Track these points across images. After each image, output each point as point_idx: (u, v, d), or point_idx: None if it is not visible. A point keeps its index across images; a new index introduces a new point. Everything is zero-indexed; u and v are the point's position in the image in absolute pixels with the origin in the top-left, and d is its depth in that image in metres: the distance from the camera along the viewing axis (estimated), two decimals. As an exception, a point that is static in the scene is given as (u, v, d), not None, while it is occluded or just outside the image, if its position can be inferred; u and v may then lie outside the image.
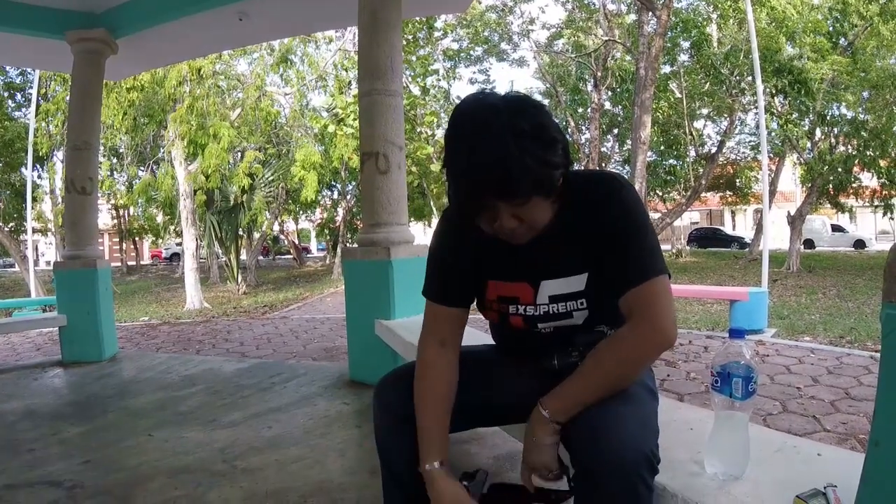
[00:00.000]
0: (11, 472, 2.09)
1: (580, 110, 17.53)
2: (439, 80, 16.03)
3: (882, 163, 12.30)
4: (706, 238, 25.38)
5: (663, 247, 1.06)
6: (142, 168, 14.75)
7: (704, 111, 15.21)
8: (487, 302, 1.14)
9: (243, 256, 16.42)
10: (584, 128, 17.01)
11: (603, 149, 17.22)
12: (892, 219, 14.89)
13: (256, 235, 16.86)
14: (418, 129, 14.09)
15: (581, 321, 1.07)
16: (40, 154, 12.13)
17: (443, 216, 1.16)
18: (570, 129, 16.41)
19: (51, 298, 6.37)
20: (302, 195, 12.81)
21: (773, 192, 14.32)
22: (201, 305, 11.05)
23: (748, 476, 0.96)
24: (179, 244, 18.28)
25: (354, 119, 11.34)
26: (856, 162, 12.40)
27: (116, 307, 7.35)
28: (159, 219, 18.77)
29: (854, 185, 13.06)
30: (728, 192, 20.03)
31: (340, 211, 19.53)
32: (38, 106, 10.86)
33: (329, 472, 1.98)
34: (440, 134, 14.06)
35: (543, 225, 0.98)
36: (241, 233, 15.13)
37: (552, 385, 0.99)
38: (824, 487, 0.86)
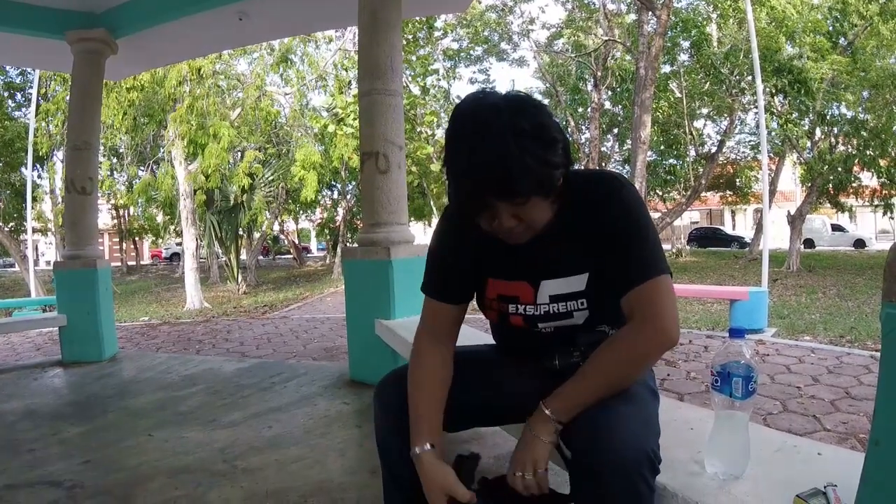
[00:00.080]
0: (11, 472, 2.09)
1: (580, 110, 17.53)
2: (439, 79, 16.05)
3: (882, 162, 12.30)
4: (706, 238, 25.38)
5: (663, 246, 1.05)
6: (142, 168, 14.76)
7: (704, 111, 15.21)
8: (487, 301, 1.14)
9: (243, 256, 16.42)
10: (584, 127, 17.00)
11: (603, 148, 17.22)
12: (892, 218, 14.89)
13: (256, 235, 16.87)
14: (418, 129, 14.08)
15: (582, 321, 1.07)
16: (40, 154, 12.13)
17: (443, 215, 1.16)
18: (570, 129, 16.40)
19: (51, 298, 6.38)
20: (302, 195, 12.81)
21: (773, 192, 14.31)
22: (201, 305, 11.05)
23: (748, 475, 0.96)
24: (179, 244, 18.29)
25: (354, 119, 11.34)
26: (856, 161, 12.41)
27: (116, 307, 7.35)
28: (159, 219, 18.76)
29: (854, 184, 13.06)
30: (728, 192, 20.03)
31: (340, 211, 19.54)
32: (38, 106, 10.86)
33: (329, 472, 1.98)
34: (440, 134, 14.06)
35: (543, 225, 0.98)
36: (241, 232, 15.13)
37: (553, 385, 0.99)
38: (824, 487, 0.86)
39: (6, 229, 14.74)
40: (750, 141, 17.66)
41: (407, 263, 3.01)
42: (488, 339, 1.48)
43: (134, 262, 26.12)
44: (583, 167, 14.18)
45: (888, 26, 11.01)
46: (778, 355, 4.15)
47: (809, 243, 20.75)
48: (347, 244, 16.82)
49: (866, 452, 0.72)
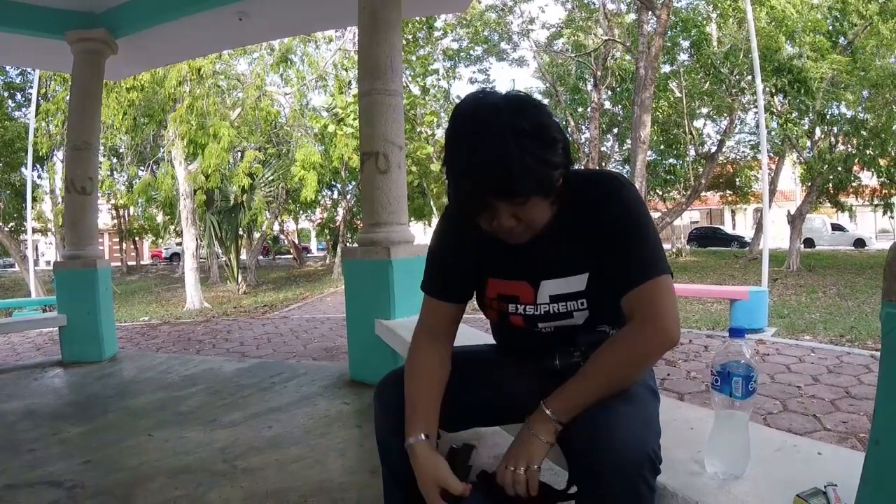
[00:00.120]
0: (12, 473, 2.09)
1: (580, 110, 17.52)
2: (439, 79, 16.05)
3: (882, 161, 12.31)
4: (706, 237, 25.39)
5: (663, 246, 1.05)
6: (142, 168, 14.76)
7: (704, 110, 15.21)
8: (487, 300, 1.14)
9: (243, 256, 16.42)
10: (583, 127, 17.00)
11: (603, 148, 17.22)
12: (891, 217, 14.89)
13: (256, 235, 16.87)
14: (418, 129, 14.08)
15: (582, 321, 1.07)
16: (40, 154, 12.13)
17: (443, 215, 1.17)
18: (570, 129, 16.40)
19: (51, 298, 6.37)
20: (302, 195, 12.81)
21: (772, 192, 14.31)
22: (201, 305, 11.05)
23: (748, 475, 0.96)
24: (179, 244, 18.29)
25: (354, 119, 11.33)
26: (855, 161, 12.41)
27: (116, 307, 7.35)
28: (159, 219, 18.77)
29: (854, 183, 13.07)
30: (728, 192, 20.02)
31: (340, 211, 19.54)
32: (38, 106, 10.86)
33: (329, 472, 1.98)
34: (440, 133, 14.06)
35: (542, 225, 0.98)
36: (241, 232, 15.13)
37: (553, 385, 0.98)
38: (825, 486, 0.86)
39: (6, 229, 14.74)
40: (750, 140, 17.68)
41: (407, 263, 3.01)
42: (488, 338, 1.48)
43: (134, 262, 26.13)
44: (583, 167, 14.17)
45: (888, 26, 11.01)
46: (778, 355, 4.15)
47: (809, 243, 20.75)
48: (347, 244, 16.82)
49: (866, 452, 0.72)
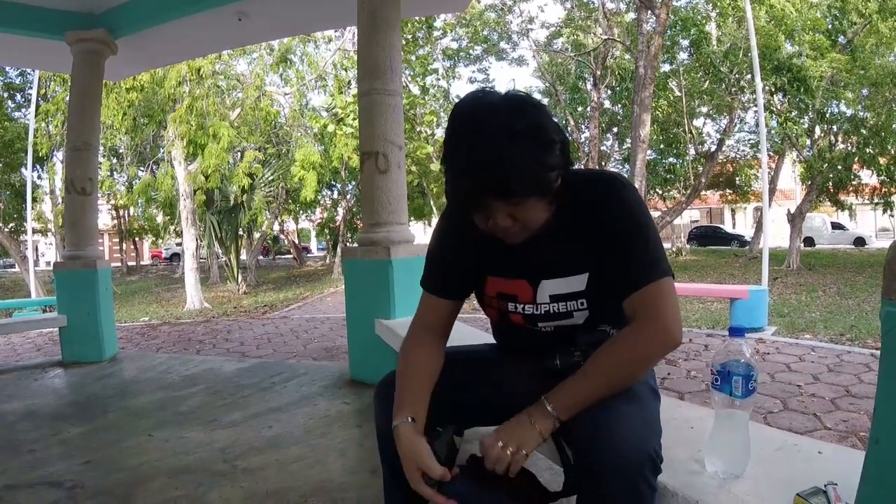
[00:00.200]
0: (12, 473, 2.09)
1: (580, 109, 17.53)
2: (439, 79, 16.06)
3: (881, 160, 12.30)
4: (706, 236, 25.38)
5: (663, 245, 1.05)
6: (142, 168, 14.76)
7: (704, 109, 15.20)
8: (487, 298, 1.14)
9: (243, 256, 16.42)
10: (583, 126, 17.00)
11: (603, 147, 17.22)
12: (891, 216, 14.88)
13: (256, 235, 16.87)
14: (418, 129, 14.09)
15: (582, 321, 1.07)
16: (40, 154, 12.13)
17: (443, 214, 1.17)
18: (569, 128, 16.40)
19: (51, 299, 6.37)
20: (302, 195, 12.81)
21: (772, 190, 14.31)
22: (201, 305, 11.05)
23: (749, 474, 0.96)
24: (179, 244, 18.29)
25: (354, 118, 11.34)
26: (855, 159, 12.40)
27: (116, 307, 7.35)
28: (159, 219, 18.78)
29: (854, 182, 13.06)
30: (728, 191, 20.01)
31: (340, 210, 19.54)
32: (37, 106, 10.87)
33: (330, 472, 1.98)
34: (440, 133, 14.07)
35: (539, 225, 0.98)
36: (241, 233, 15.14)
37: (553, 385, 0.98)
38: (825, 485, 0.86)
39: (6, 230, 14.74)
40: (749, 139, 17.67)
41: (407, 263, 3.01)
42: (488, 338, 1.48)
43: (134, 263, 26.13)
44: (582, 166, 14.19)
45: (887, 24, 11.01)
46: (778, 354, 4.15)
47: (809, 241, 20.75)
48: (347, 244, 16.82)
49: (867, 451, 0.72)
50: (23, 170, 14.45)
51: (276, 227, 22.16)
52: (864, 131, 12.16)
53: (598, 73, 15.07)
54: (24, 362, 4.69)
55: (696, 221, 30.72)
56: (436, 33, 15.01)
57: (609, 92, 16.13)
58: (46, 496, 1.87)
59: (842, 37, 12.31)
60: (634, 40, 12.20)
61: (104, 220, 21.57)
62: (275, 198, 15.14)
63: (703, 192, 15.64)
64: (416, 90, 14.81)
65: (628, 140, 14.24)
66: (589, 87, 16.15)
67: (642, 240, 0.98)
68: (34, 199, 13.34)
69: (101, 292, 4.17)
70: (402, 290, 2.98)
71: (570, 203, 1.00)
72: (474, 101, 0.93)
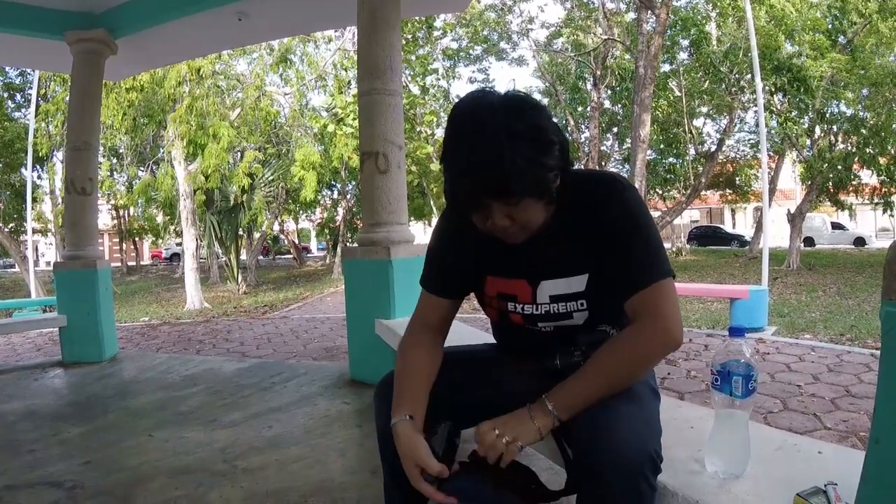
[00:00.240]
0: (12, 473, 2.09)
1: (580, 109, 17.52)
2: (439, 79, 16.06)
3: (881, 160, 12.30)
4: (706, 236, 25.37)
5: (664, 245, 1.05)
6: (141, 168, 14.76)
7: (704, 109, 15.20)
8: (487, 298, 1.15)
9: (243, 256, 16.42)
10: (583, 126, 17.00)
11: (603, 147, 17.22)
12: (891, 216, 14.88)
13: (256, 235, 16.87)
14: (418, 129, 14.09)
15: (581, 321, 1.07)
16: (40, 154, 12.14)
17: (442, 214, 1.17)
18: (569, 128, 16.40)
19: (51, 299, 6.37)
20: (301, 195, 12.81)
21: (772, 190, 14.31)
22: (201, 305, 11.05)
23: (749, 474, 0.96)
24: (179, 244, 18.29)
25: (354, 118, 11.34)
26: (855, 159, 12.40)
27: (116, 307, 7.35)
28: (159, 219, 18.78)
29: (854, 182, 13.06)
30: (728, 191, 20.01)
31: (340, 210, 19.54)
32: (37, 106, 10.86)
33: (330, 472, 1.98)
34: (440, 133, 14.07)
35: (537, 226, 0.98)
36: (241, 233, 15.13)
37: (553, 385, 0.98)
38: (825, 485, 0.86)
39: (6, 230, 14.74)
40: (749, 139, 17.68)
41: (407, 263, 3.01)
42: (488, 338, 1.48)
43: (134, 263, 26.13)
44: (582, 166, 14.19)
45: (887, 24, 11.01)
46: (778, 354, 4.15)
47: (809, 241, 20.75)
48: (347, 244, 16.82)
49: (867, 451, 0.72)
50: (23, 170, 14.46)
51: (276, 227, 22.17)
52: (864, 131, 12.16)
53: (598, 73, 15.07)
54: (24, 362, 4.69)
55: (696, 221, 30.72)
56: (436, 33, 15.01)
57: (609, 92, 16.13)
58: (46, 496, 1.87)
59: (842, 37, 12.31)
60: (634, 40, 12.20)
61: (104, 220, 21.58)
62: (275, 198, 15.14)
63: (703, 192, 15.65)
64: (416, 90, 14.81)
65: (628, 140, 14.24)
66: (589, 87, 16.15)
67: (643, 240, 0.98)
68: (34, 199, 13.34)
69: (101, 292, 4.17)
70: (402, 289, 2.98)
71: (571, 203, 1.00)
72: (474, 101, 0.93)
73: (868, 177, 13.46)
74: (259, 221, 14.26)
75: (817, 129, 13.00)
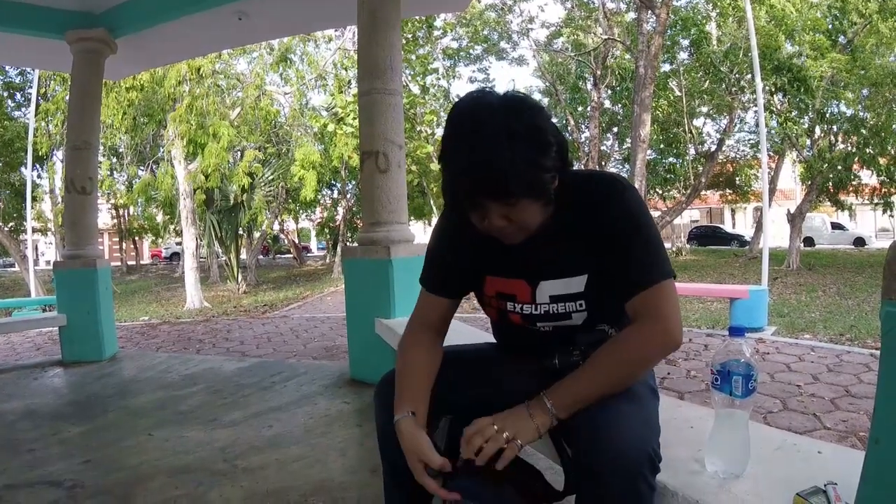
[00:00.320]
0: (11, 472, 2.09)
1: (580, 109, 17.52)
2: (439, 78, 16.05)
3: (881, 160, 12.30)
4: (706, 236, 25.37)
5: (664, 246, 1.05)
6: (141, 167, 14.74)
7: (704, 109, 15.21)
8: (486, 297, 1.15)
9: (243, 256, 16.42)
10: (583, 126, 17.00)
11: (603, 147, 17.22)
12: (891, 216, 14.88)
13: (256, 235, 16.87)
14: (418, 128, 14.09)
15: (580, 322, 1.07)
16: (40, 154, 12.13)
17: (442, 214, 1.17)
18: (569, 128, 16.40)
19: (51, 298, 6.37)
20: (301, 194, 12.81)
21: (772, 190, 14.31)
22: (201, 305, 11.05)
23: (748, 474, 0.96)
24: (179, 244, 18.29)
25: (354, 118, 11.33)
26: (855, 159, 12.40)
27: (116, 307, 7.35)
28: (159, 218, 18.76)
29: (854, 182, 13.05)
30: (728, 190, 20.01)
31: (340, 210, 19.53)
32: (37, 105, 10.86)
33: (330, 471, 1.99)
34: (440, 132, 14.04)
35: (535, 226, 0.98)
36: (240, 232, 15.13)
37: (552, 385, 0.98)
38: (825, 485, 0.86)
39: (6, 229, 14.75)
40: (749, 139, 17.68)
41: (407, 262, 3.01)
42: (488, 338, 1.48)
43: (134, 262, 26.11)
44: (582, 166, 14.19)
45: (887, 24, 11.00)
46: (778, 354, 4.15)
47: (809, 241, 20.75)
48: (347, 243, 16.82)
49: (866, 450, 0.72)
50: (22, 169, 14.46)
51: (276, 227, 22.17)
52: (864, 131, 12.16)
53: (599, 72, 15.06)
54: (23, 361, 4.69)
55: (696, 221, 30.72)
56: (436, 33, 15.01)
57: (609, 92, 16.13)
58: (46, 495, 1.87)
59: (842, 37, 12.30)
60: (635, 40, 12.20)
61: (104, 219, 21.57)
62: (275, 197, 15.14)
63: (703, 192, 15.65)
64: (416, 89, 14.80)
65: (628, 140, 14.24)
66: (589, 86, 16.15)
67: (643, 240, 0.98)
68: (34, 199, 13.33)
69: (100, 291, 4.17)
70: (402, 289, 2.98)
71: (571, 204, 1.00)
72: (473, 101, 0.93)
73: (868, 177, 13.46)
74: (259, 221, 14.26)
75: (817, 130, 13.00)
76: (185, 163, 11.68)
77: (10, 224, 15.79)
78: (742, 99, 12.79)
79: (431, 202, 16.58)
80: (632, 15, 14.23)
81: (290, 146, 14.17)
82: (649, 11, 10.63)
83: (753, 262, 13.88)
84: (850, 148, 12.61)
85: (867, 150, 12.22)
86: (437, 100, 15.81)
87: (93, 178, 4.34)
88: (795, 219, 13.38)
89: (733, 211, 30.71)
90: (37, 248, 26.07)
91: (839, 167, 12.31)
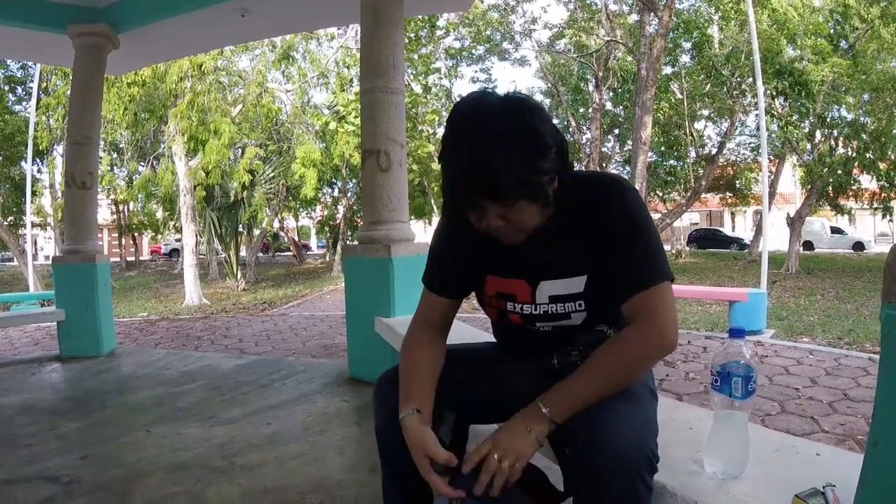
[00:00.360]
0: (9, 467, 2.08)
1: (581, 110, 17.53)
2: (441, 78, 16.05)
3: (881, 165, 12.32)
4: (706, 239, 25.39)
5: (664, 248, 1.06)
6: (142, 163, 14.74)
7: (705, 112, 15.21)
8: (486, 297, 1.15)
9: (243, 253, 16.41)
10: (585, 128, 17.01)
11: (604, 149, 17.22)
12: (891, 221, 14.89)
13: (256, 232, 16.86)
14: (419, 128, 14.10)
15: (579, 322, 1.08)
16: (40, 148, 12.10)
17: (443, 214, 1.17)
18: (571, 129, 16.41)
19: (49, 293, 6.37)
20: (302, 192, 12.81)
21: (772, 194, 14.32)
22: (200, 302, 11.04)
23: (747, 475, 0.96)
24: (179, 240, 18.26)
25: (356, 116, 11.34)
26: (855, 164, 12.41)
27: (115, 302, 7.34)
28: (159, 214, 18.76)
29: (853, 187, 13.06)
30: (728, 194, 20.04)
31: (341, 208, 19.53)
32: (38, 100, 10.85)
33: (328, 469, 1.99)
34: (441, 132, 14.05)
35: (533, 227, 0.99)
36: (240, 229, 15.12)
37: (551, 385, 0.98)
38: (823, 487, 0.86)
39: (5, 223, 14.71)
40: (750, 143, 17.70)
41: (407, 261, 3.01)
42: (488, 337, 1.48)
43: (133, 258, 26.11)
44: (583, 167, 14.20)
45: (889, 30, 11.01)
46: (776, 357, 4.16)
47: (808, 245, 20.76)
48: (348, 242, 16.81)
49: (865, 453, 0.72)
50: (22, 163, 14.45)
51: (277, 225, 22.15)
52: (864, 136, 12.16)
53: (601, 74, 15.07)
54: (21, 356, 4.69)
55: (696, 224, 30.76)
56: (438, 32, 15.01)
57: (611, 93, 16.13)
58: (43, 491, 1.87)
59: (843, 41, 12.30)
60: (637, 42, 12.20)
61: (104, 214, 21.57)
62: (275, 195, 15.13)
63: (703, 195, 15.66)
64: (418, 89, 14.80)
65: (629, 142, 14.25)
66: (591, 88, 16.15)
67: (643, 242, 0.98)
68: (34, 193, 13.32)
69: (99, 287, 4.16)
70: (403, 288, 2.98)
71: (571, 205, 1.00)
72: (473, 102, 0.93)
73: (868, 182, 13.48)
74: (259, 218, 14.24)
75: (818, 134, 13.01)
76: (185, 159, 11.67)
77: (10, 218, 15.77)
78: (743, 102, 12.80)
79: (432, 201, 16.59)
80: (634, 17, 14.23)
81: (291, 144, 14.16)
82: (652, 14, 10.63)
83: (753, 265, 13.88)
84: (850, 152, 12.63)
85: (867, 155, 12.23)
86: (438, 99, 15.81)
87: (93, 174, 4.34)
88: (795, 223, 13.39)
89: (733, 214, 30.74)
90: (36, 243, 26.03)
91: (839, 171, 12.32)
